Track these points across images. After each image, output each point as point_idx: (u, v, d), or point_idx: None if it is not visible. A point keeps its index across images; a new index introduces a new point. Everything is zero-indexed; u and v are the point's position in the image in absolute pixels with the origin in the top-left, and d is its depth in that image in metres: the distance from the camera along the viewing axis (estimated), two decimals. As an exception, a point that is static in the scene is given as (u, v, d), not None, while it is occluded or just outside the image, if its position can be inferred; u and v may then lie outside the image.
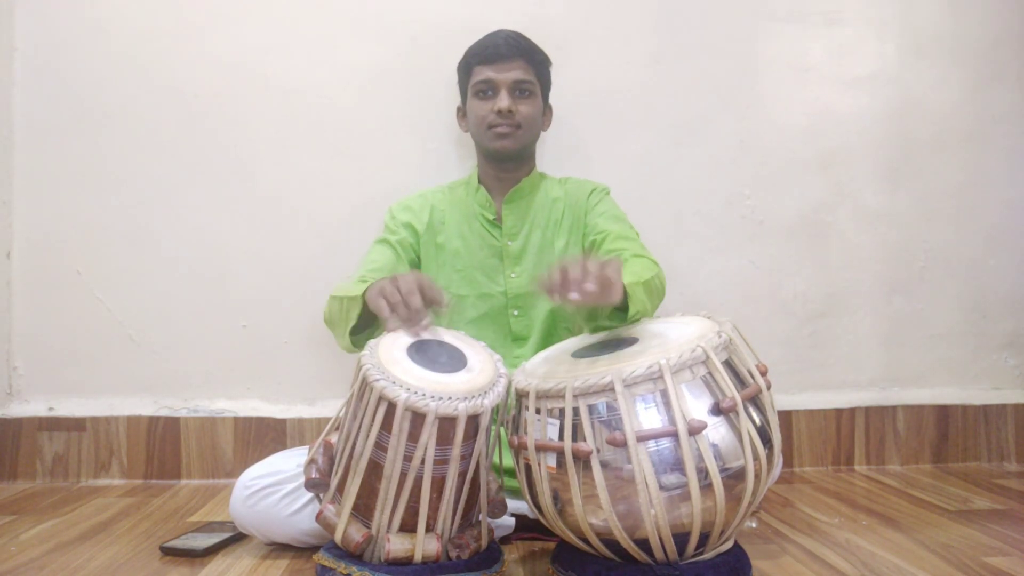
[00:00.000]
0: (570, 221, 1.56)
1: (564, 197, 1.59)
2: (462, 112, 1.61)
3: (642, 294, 1.22)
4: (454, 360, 1.14)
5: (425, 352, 1.13)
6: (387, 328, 1.18)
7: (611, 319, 1.23)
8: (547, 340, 1.50)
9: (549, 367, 1.12)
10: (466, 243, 1.55)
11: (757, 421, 1.05)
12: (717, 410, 1.01)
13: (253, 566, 1.23)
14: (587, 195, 1.59)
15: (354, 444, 1.09)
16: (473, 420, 1.07)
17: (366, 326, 1.35)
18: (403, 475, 1.06)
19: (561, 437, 1.02)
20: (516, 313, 1.54)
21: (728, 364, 1.06)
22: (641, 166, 1.87)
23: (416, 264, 1.56)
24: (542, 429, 1.05)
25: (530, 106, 1.53)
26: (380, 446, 1.06)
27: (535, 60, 1.54)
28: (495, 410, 1.11)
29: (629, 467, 0.98)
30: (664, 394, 1.00)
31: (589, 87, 1.85)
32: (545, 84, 1.58)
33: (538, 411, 1.06)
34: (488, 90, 1.52)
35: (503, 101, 1.49)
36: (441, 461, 1.06)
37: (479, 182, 1.59)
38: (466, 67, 1.55)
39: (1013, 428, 1.91)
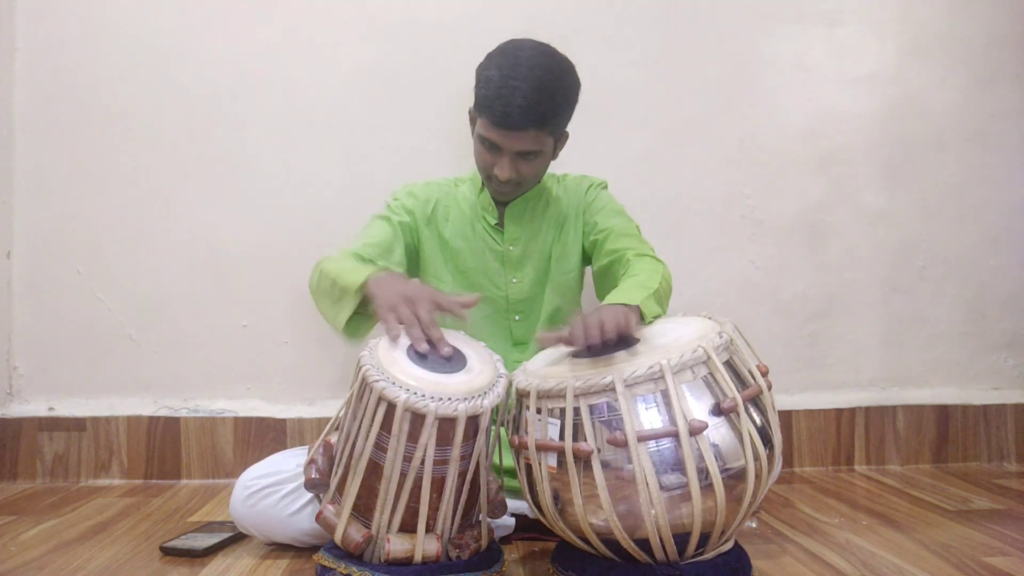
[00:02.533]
0: (569, 220, 1.55)
1: (562, 196, 1.57)
2: (473, 118, 1.49)
3: (654, 306, 1.22)
4: (454, 360, 1.14)
5: (425, 352, 1.13)
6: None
7: None
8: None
9: (550, 367, 1.12)
10: (469, 244, 1.54)
11: (758, 421, 1.05)
12: (718, 410, 1.01)
13: (253, 566, 1.23)
14: (584, 191, 1.57)
15: (354, 444, 1.09)
16: (473, 420, 1.07)
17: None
18: (403, 475, 1.06)
19: (562, 437, 1.02)
20: (517, 318, 1.54)
21: (729, 364, 1.06)
22: (641, 166, 1.87)
23: (412, 249, 1.52)
24: (543, 429, 1.05)
25: (535, 166, 1.43)
26: (380, 446, 1.06)
27: (552, 122, 1.39)
28: (495, 410, 1.11)
29: (630, 467, 0.98)
30: (665, 394, 1.00)
31: (589, 87, 1.83)
32: (562, 127, 1.45)
33: (539, 411, 1.06)
34: (493, 148, 1.40)
35: (504, 171, 1.40)
36: (441, 461, 1.06)
37: (483, 185, 1.58)
38: (478, 106, 1.41)
39: (1013, 428, 1.91)
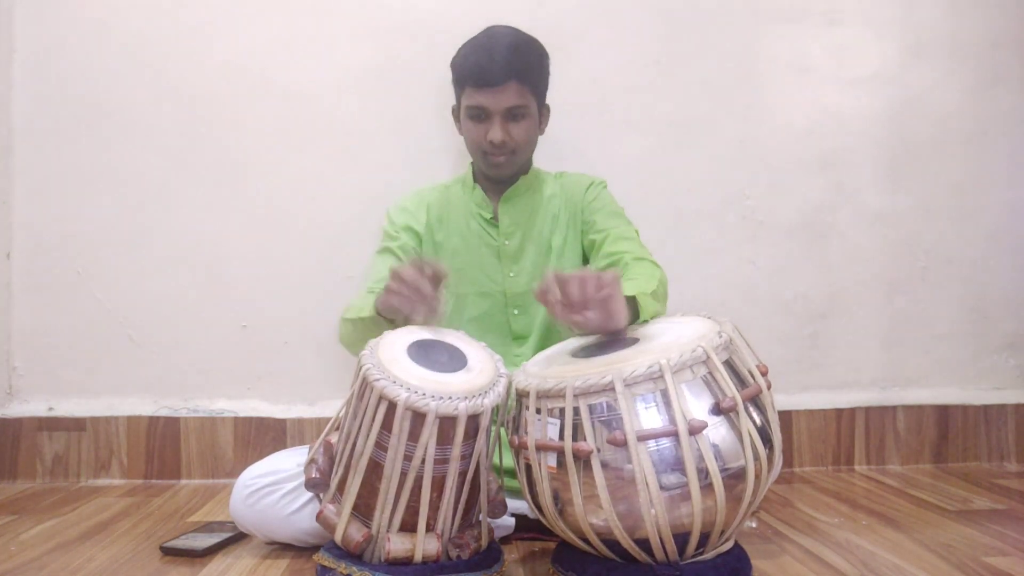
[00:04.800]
0: (567, 217, 1.55)
1: (560, 192, 1.58)
2: (456, 114, 1.56)
3: (651, 303, 1.22)
4: (454, 360, 1.14)
5: (425, 352, 1.13)
6: (414, 323, 1.20)
7: None
8: (547, 338, 1.50)
9: (550, 367, 1.12)
10: (465, 241, 1.55)
11: (757, 421, 1.05)
12: (717, 410, 1.01)
13: (253, 566, 1.23)
14: (584, 190, 1.57)
15: (354, 444, 1.08)
16: (473, 420, 1.06)
17: None
18: (403, 475, 1.06)
19: (561, 437, 1.02)
20: (516, 312, 1.54)
21: (729, 364, 1.06)
22: (641, 166, 1.87)
23: None
24: (542, 429, 1.05)
25: (525, 128, 1.48)
26: (380, 446, 1.06)
27: (531, 76, 1.47)
28: (495, 410, 1.11)
29: (629, 467, 0.98)
30: (664, 394, 1.00)
31: (589, 87, 1.85)
32: (541, 92, 1.52)
33: (538, 411, 1.06)
34: (481, 115, 1.46)
35: (496, 133, 1.45)
36: (441, 461, 1.06)
37: (475, 180, 1.59)
38: (458, 80, 1.50)
39: (1013, 428, 1.91)
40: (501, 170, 1.51)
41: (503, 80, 1.43)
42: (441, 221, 1.56)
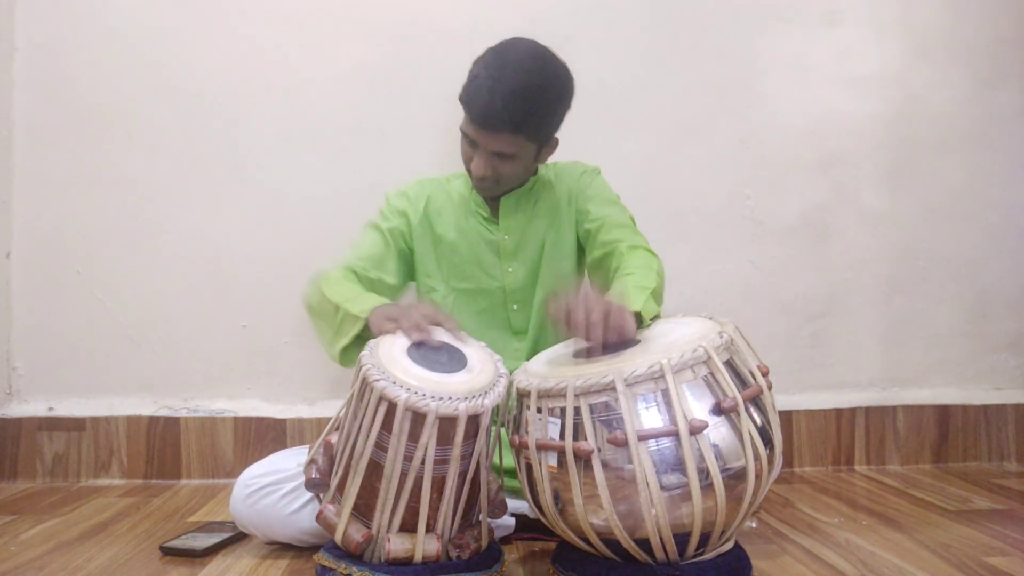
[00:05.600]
0: (563, 206, 1.54)
1: (555, 182, 1.56)
2: None
3: (654, 305, 1.22)
4: (454, 360, 1.14)
5: (425, 352, 1.13)
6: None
7: None
8: (546, 332, 1.50)
9: (550, 366, 1.12)
10: (463, 237, 1.54)
11: (758, 421, 1.05)
12: (718, 410, 1.01)
13: (253, 566, 1.23)
14: (577, 177, 1.55)
15: (354, 444, 1.08)
16: (473, 420, 1.06)
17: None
18: (403, 475, 1.05)
19: (562, 436, 1.02)
20: (515, 308, 1.53)
21: (729, 364, 1.06)
22: (641, 166, 1.87)
23: (406, 254, 1.54)
24: (543, 428, 1.05)
25: (512, 166, 1.42)
26: (380, 446, 1.06)
27: (530, 126, 1.37)
28: (495, 410, 1.11)
29: (630, 467, 0.98)
30: (665, 394, 1.00)
31: (589, 87, 1.83)
32: (545, 135, 1.43)
33: (539, 410, 1.06)
34: (471, 143, 1.41)
35: (479, 168, 1.40)
36: (441, 461, 1.06)
37: None
38: (461, 97, 1.42)
39: (1013, 428, 1.91)
40: (484, 193, 1.50)
41: (497, 128, 1.35)
42: (440, 214, 1.55)
